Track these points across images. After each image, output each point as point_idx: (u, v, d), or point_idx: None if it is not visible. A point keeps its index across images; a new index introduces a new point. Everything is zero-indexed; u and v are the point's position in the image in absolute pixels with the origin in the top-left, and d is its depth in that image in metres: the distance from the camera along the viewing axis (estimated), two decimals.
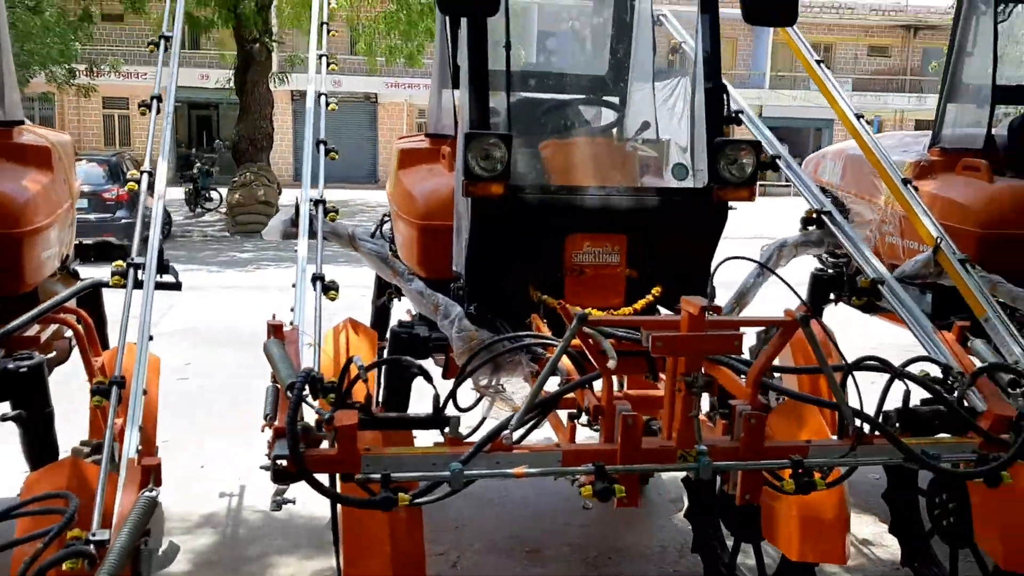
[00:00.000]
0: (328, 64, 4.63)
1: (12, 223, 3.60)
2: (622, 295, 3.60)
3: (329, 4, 5.44)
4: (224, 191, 20.87)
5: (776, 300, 3.40)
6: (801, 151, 16.70)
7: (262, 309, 11.80)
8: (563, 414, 3.28)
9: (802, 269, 5.18)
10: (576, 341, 2.65)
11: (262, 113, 19.82)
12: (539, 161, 3.90)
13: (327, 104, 4.33)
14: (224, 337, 9.26)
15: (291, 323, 3.12)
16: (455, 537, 4.84)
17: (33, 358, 3.36)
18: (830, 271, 5.56)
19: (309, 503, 3.70)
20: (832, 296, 5.59)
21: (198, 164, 22.40)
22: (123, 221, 14.32)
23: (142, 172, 3.62)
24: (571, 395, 2.98)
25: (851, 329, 5.90)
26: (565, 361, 3.09)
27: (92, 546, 2.34)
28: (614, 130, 4.51)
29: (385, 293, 5.20)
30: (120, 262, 3.25)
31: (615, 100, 4.60)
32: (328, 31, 4.96)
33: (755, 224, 8.96)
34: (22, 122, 4.17)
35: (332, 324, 3.81)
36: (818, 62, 4.56)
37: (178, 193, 22.64)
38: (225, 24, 18.49)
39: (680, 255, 3.62)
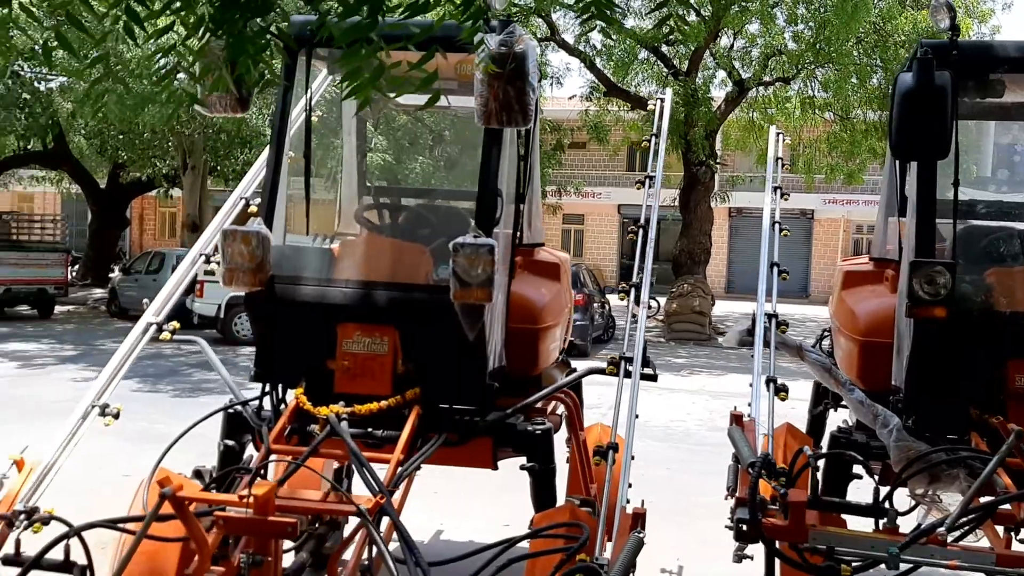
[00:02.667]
0: (782, 195, 5.30)
1: (533, 321, 4.71)
2: None
3: (785, 141, 6.13)
4: (662, 300, 22.34)
5: None
6: None
7: (696, 410, 12.79)
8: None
9: None
10: (1015, 459, 2.91)
11: (702, 229, 21.08)
12: (984, 287, 4.11)
13: (780, 231, 4.97)
14: (661, 433, 10.15)
15: (748, 415, 3.74)
16: None
17: (545, 424, 4.37)
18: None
19: None
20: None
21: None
22: (578, 323, 16.11)
23: (631, 285, 4.52)
24: (1008, 508, 3.19)
25: None
26: (1004, 476, 3.30)
27: (599, 567, 3.12)
28: None
29: (821, 403, 5.59)
30: (614, 355, 4.15)
31: None
32: (782, 165, 5.65)
33: None
34: (543, 244, 5.40)
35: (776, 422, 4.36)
36: None
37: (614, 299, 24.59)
38: (675, 148, 20.20)
39: None
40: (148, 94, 14.81)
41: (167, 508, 3.10)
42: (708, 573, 5.96)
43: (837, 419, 5.08)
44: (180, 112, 15.41)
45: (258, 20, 2.02)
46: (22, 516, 3.28)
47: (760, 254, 4.83)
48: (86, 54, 7.41)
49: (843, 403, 4.52)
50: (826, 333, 5.78)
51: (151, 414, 9.21)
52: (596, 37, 19.84)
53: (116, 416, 3.86)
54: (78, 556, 3.15)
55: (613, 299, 16.55)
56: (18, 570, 3.10)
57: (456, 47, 3.26)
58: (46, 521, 3.29)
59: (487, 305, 3.79)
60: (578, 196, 26.09)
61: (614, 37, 19.10)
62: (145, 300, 4.68)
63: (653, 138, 5.26)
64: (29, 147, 24.52)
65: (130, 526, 3.28)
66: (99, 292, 24.81)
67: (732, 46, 21.20)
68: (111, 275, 25.18)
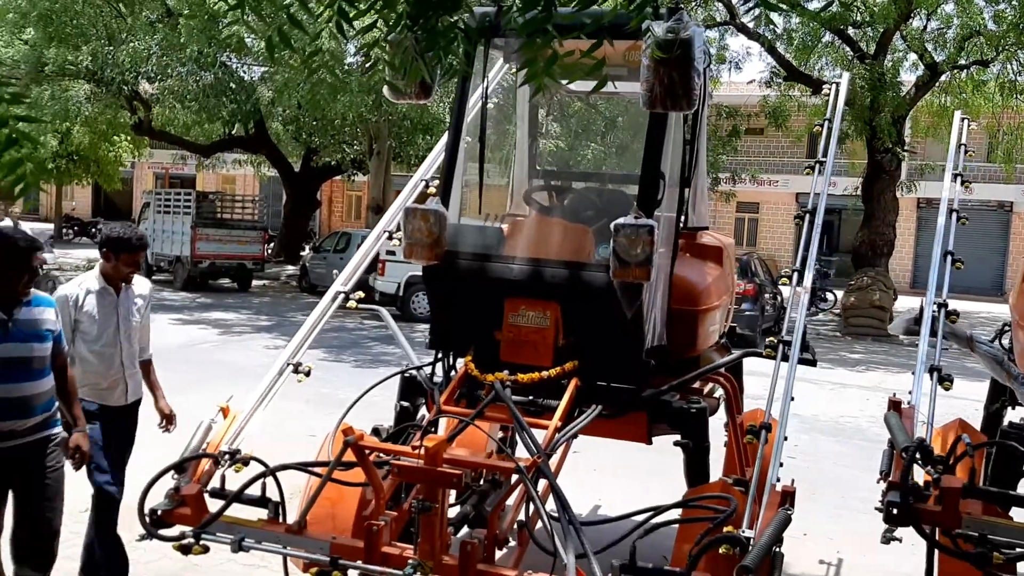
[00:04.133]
0: (963, 183, 5.12)
1: (693, 302, 4.81)
2: None
3: (970, 125, 5.88)
4: (840, 293, 21.52)
5: None
6: None
7: (869, 407, 12.33)
8: None
9: None
10: None
11: (886, 220, 20.12)
12: None
13: (959, 219, 4.82)
14: (831, 428, 9.90)
15: (908, 403, 3.71)
16: None
17: (700, 403, 4.47)
18: None
19: None
20: None
21: (816, 266, 23.42)
22: (747, 313, 15.87)
23: (793, 271, 4.53)
24: None
25: None
26: None
27: (744, 539, 3.22)
28: None
29: (999, 400, 5.37)
30: (772, 338, 4.20)
31: None
32: (966, 151, 5.44)
33: None
34: (707, 228, 5.47)
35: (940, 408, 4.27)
36: None
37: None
38: (859, 135, 19.37)
39: None
40: (340, 84, 15.71)
41: (349, 456, 3.46)
42: (867, 565, 5.87)
43: (1015, 417, 4.90)
44: (368, 100, 16.32)
45: (448, 16, 2.23)
46: (226, 456, 3.73)
47: (935, 243, 4.70)
48: (303, 48, 8.08)
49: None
50: (1006, 328, 5.54)
51: (333, 381, 9.93)
52: (777, 20, 19.26)
53: (307, 374, 4.29)
54: (272, 494, 3.57)
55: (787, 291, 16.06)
56: (222, 502, 3.54)
57: (625, 35, 3.43)
58: (246, 462, 3.74)
59: (645, 284, 3.94)
60: (754, 184, 25.48)
61: (796, 20, 18.52)
62: (335, 271, 5.14)
63: (826, 123, 5.21)
64: (233, 132, 26.59)
65: (317, 470, 3.67)
66: (291, 268, 26.60)
67: (925, 27, 20.04)
68: (302, 253, 26.95)
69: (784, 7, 14.29)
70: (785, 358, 4.09)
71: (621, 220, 3.78)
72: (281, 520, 3.55)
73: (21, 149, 1.50)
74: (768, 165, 31.44)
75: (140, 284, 4.80)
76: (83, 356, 4.54)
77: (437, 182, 4.96)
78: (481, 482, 4.13)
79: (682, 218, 4.74)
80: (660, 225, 3.96)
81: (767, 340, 4.22)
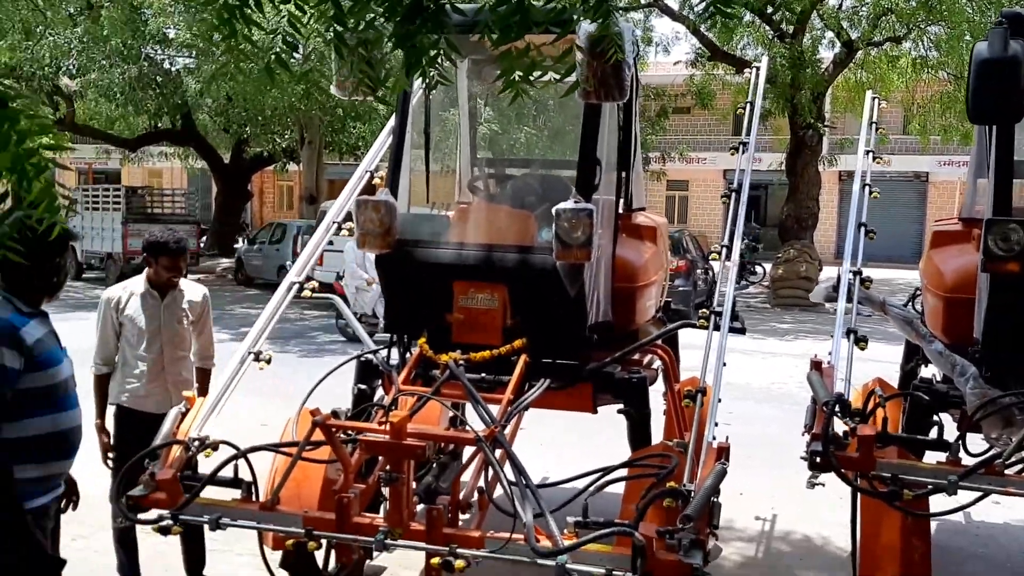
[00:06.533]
0: (874, 159, 5.52)
1: (631, 279, 5.12)
2: None
3: (881, 105, 6.30)
4: (768, 266, 22.24)
5: None
6: None
7: (798, 374, 12.80)
8: None
9: None
10: None
11: (810, 194, 20.86)
12: None
13: (871, 193, 5.22)
14: (763, 395, 10.40)
15: (828, 363, 4.07)
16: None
17: (641, 373, 4.79)
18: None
19: None
20: None
21: (746, 240, 24.14)
22: (680, 288, 16.34)
23: (722, 246, 4.86)
24: None
25: None
26: None
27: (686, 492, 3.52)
28: None
29: (913, 359, 5.81)
30: (704, 310, 4.52)
31: None
32: (876, 129, 5.84)
33: None
34: (643, 208, 5.78)
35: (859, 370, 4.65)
36: None
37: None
38: (782, 112, 20.01)
39: None
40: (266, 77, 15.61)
41: (316, 436, 3.68)
42: (800, 517, 6.30)
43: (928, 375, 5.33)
44: (299, 90, 16.26)
45: (431, 35, 2.29)
46: (196, 442, 3.91)
47: (849, 215, 5.09)
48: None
49: None
50: (917, 292, 5.98)
51: (281, 371, 10.02)
52: (699, 4, 19.72)
53: (268, 361, 4.48)
54: (244, 475, 3.76)
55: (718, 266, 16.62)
56: (196, 485, 3.72)
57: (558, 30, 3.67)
58: (216, 447, 3.92)
59: (586, 264, 4.22)
60: (683, 162, 26.08)
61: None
62: (288, 263, 5.29)
63: (748, 105, 5.54)
64: (159, 125, 26.14)
65: (286, 450, 3.88)
66: (226, 262, 26.31)
67: (840, 6, 20.76)
68: (236, 246, 26.67)
69: (735, 12, 14.60)
70: (717, 328, 4.41)
71: (562, 205, 4.04)
72: (254, 499, 3.74)
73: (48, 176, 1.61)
74: (695, 143, 32.14)
75: (192, 290, 4.85)
76: (125, 359, 4.61)
77: (383, 173, 5.16)
78: (440, 456, 4.39)
79: (621, 200, 5.04)
80: (599, 208, 4.24)
81: (699, 312, 4.54)
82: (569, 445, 7.62)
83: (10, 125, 1.53)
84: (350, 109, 20.76)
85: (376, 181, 5.16)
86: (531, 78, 2.37)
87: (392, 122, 5.05)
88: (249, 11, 2.10)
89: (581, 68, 3.85)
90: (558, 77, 3.38)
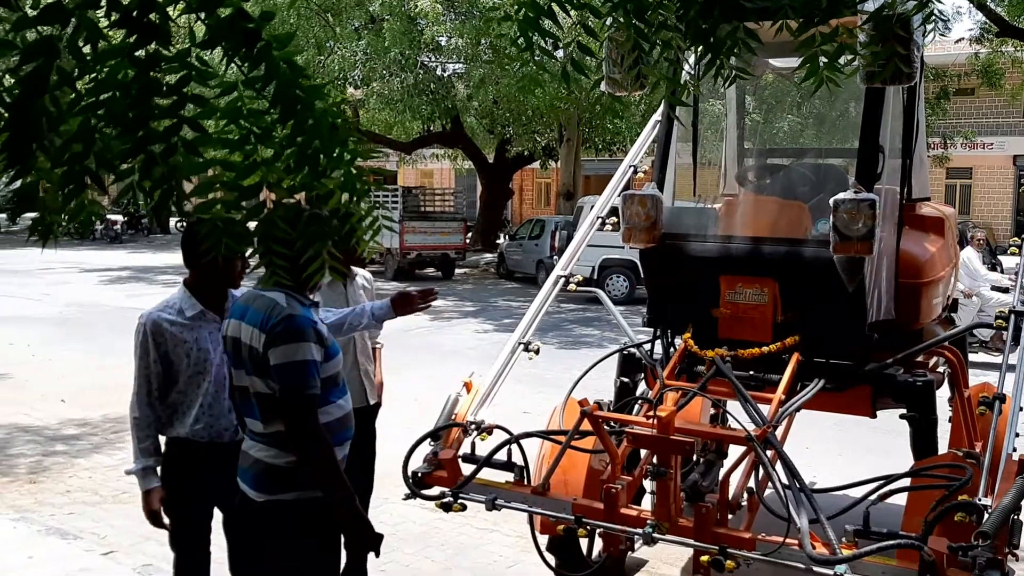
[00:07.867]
0: None
1: (915, 275, 4.75)
2: None
3: None
4: None
5: None
6: None
7: None
8: None
9: None
10: None
11: None
12: None
13: None
14: None
15: None
16: None
17: (926, 376, 4.44)
18: None
19: None
20: None
21: None
22: None
23: (1022, 239, 4.41)
24: None
25: None
26: None
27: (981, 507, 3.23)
28: None
29: None
30: (1003, 309, 4.12)
31: None
32: None
33: None
34: (927, 198, 5.36)
35: None
36: None
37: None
38: None
39: None
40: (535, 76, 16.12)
41: (585, 425, 3.76)
42: None
43: None
44: (562, 89, 16.65)
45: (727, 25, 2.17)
46: (473, 426, 4.12)
47: None
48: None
49: None
50: None
51: (540, 362, 10.34)
52: None
53: (537, 352, 4.63)
54: (517, 460, 3.92)
55: (1007, 262, 15.11)
56: (473, 466, 3.93)
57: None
58: (490, 431, 4.11)
59: (867, 258, 3.98)
60: (965, 148, 23.85)
61: None
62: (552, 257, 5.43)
63: None
64: (431, 129, 27.83)
65: (556, 438, 4.00)
66: (488, 256, 27.54)
67: None
68: (498, 241, 27.82)
69: None
70: (1017, 330, 4.01)
71: (841, 195, 3.84)
72: (525, 483, 3.90)
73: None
74: (981, 127, 29.24)
75: (362, 274, 4.86)
76: None
77: (646, 167, 5.15)
78: (706, 454, 4.34)
79: (904, 190, 4.70)
80: (881, 198, 3.98)
81: (997, 311, 4.14)
82: (837, 451, 7.25)
83: (342, 148, 1.69)
84: (609, 105, 20.94)
85: (640, 175, 5.17)
86: (837, 65, 2.18)
87: (657, 115, 5.03)
88: (546, 23, 2.14)
89: (868, 49, 3.63)
90: (865, 63, 3.22)
